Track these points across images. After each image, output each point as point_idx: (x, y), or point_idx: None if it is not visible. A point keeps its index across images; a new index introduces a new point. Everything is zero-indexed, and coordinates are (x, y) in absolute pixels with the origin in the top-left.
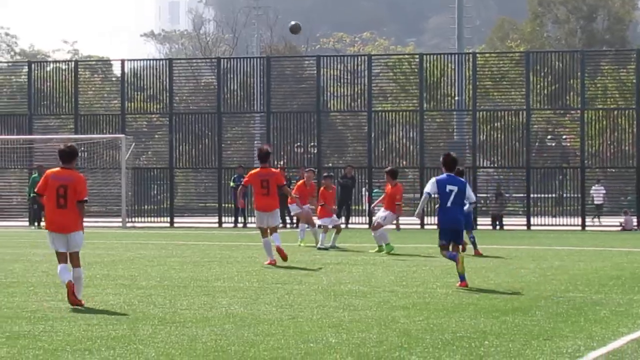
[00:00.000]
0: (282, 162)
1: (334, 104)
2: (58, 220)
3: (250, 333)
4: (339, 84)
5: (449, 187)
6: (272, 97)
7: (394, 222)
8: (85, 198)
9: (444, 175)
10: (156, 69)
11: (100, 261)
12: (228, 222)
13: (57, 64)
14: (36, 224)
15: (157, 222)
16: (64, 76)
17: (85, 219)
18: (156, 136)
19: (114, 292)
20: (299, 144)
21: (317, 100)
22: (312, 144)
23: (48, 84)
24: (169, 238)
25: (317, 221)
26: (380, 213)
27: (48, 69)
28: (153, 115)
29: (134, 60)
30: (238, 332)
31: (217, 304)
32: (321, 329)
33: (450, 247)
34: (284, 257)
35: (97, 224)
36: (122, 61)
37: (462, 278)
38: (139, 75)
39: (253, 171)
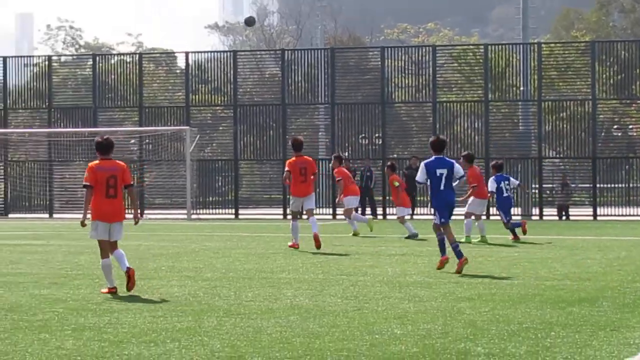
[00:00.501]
0: (345, 153)
1: (399, 95)
2: (108, 210)
3: (315, 325)
4: (403, 75)
5: (438, 171)
6: (336, 88)
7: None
8: (132, 182)
9: (432, 159)
10: (220, 61)
11: (165, 253)
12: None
13: (122, 57)
14: None
15: (222, 213)
16: (128, 69)
17: (150, 211)
18: (221, 128)
19: (179, 284)
20: (363, 135)
21: (382, 91)
22: (376, 135)
23: (112, 76)
24: (233, 230)
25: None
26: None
27: (112, 61)
28: (217, 107)
29: (198, 52)
30: (303, 323)
31: (282, 296)
32: (386, 320)
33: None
34: (318, 246)
35: (162, 216)
36: (186, 53)
37: (443, 253)
38: (203, 67)
39: (291, 160)
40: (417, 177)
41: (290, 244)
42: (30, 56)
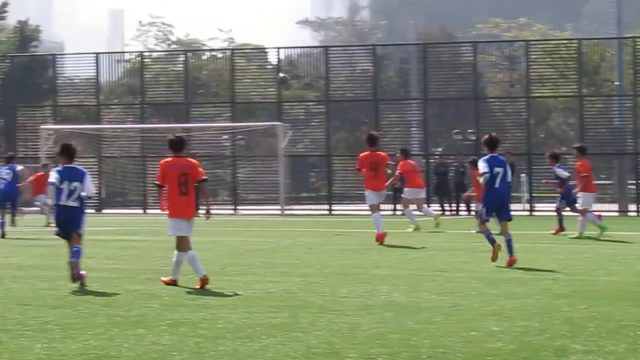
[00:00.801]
0: (438, 149)
1: (492, 90)
2: (182, 207)
3: (411, 321)
4: (496, 70)
5: (496, 169)
6: (428, 83)
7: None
8: (205, 177)
9: (489, 157)
10: (312, 56)
11: (259, 249)
12: (386, 210)
13: (213, 53)
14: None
15: (316, 209)
16: (220, 64)
17: (243, 207)
18: (313, 123)
19: (274, 279)
20: (456, 130)
21: (474, 86)
22: (469, 130)
23: (204, 72)
24: (327, 225)
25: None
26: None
27: (204, 57)
28: (310, 103)
29: (289, 47)
30: (399, 320)
31: (377, 292)
32: (483, 316)
33: (500, 226)
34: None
35: (256, 212)
36: (278, 49)
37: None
38: (295, 62)
39: (363, 155)
40: (483, 168)
41: (377, 233)
42: (122, 52)
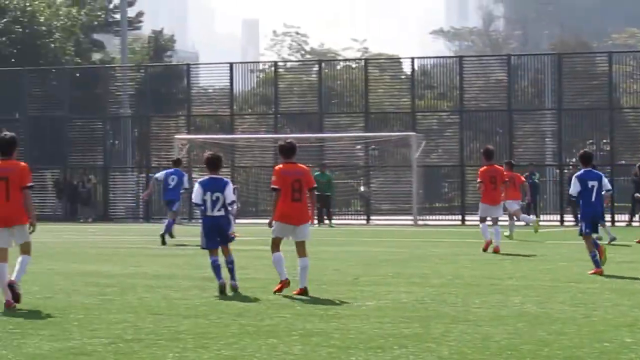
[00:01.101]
0: (572, 160)
1: (627, 100)
2: (294, 214)
3: (544, 332)
4: (631, 80)
5: (590, 183)
6: (563, 94)
7: None
8: (314, 185)
9: (582, 172)
10: (446, 66)
11: (392, 259)
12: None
13: (347, 63)
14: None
15: (448, 219)
16: (354, 74)
17: (376, 217)
18: (446, 134)
19: (406, 290)
20: (590, 141)
21: (609, 96)
22: (604, 141)
23: (338, 82)
24: (460, 236)
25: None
26: None
27: (338, 67)
28: (443, 113)
29: (423, 57)
30: (531, 330)
31: (509, 302)
32: (616, 328)
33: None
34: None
35: (389, 222)
36: (412, 59)
37: (597, 265)
38: (428, 73)
39: (483, 168)
40: (571, 190)
41: (484, 246)
42: (256, 62)
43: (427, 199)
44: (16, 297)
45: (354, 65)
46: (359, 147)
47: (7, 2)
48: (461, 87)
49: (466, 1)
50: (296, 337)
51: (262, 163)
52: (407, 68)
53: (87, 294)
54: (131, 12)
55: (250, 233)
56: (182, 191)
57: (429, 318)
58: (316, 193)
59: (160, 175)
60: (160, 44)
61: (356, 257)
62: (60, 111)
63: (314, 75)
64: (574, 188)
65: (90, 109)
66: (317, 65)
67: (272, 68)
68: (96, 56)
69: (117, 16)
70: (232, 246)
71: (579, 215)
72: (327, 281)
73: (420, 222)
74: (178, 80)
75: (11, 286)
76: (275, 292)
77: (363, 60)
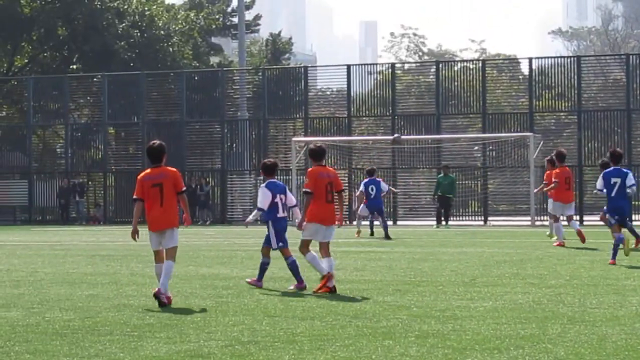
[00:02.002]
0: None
1: None
2: (327, 215)
3: None
4: None
5: (613, 180)
6: None
7: None
8: (343, 188)
9: (610, 169)
10: (564, 66)
11: (509, 260)
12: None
13: (465, 64)
14: (438, 223)
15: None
16: (471, 75)
17: (493, 218)
18: (564, 134)
19: (523, 290)
20: None
21: None
22: None
23: (456, 83)
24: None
25: None
26: None
27: (456, 68)
28: (561, 113)
29: (541, 58)
30: None
31: (627, 303)
32: None
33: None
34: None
35: (506, 223)
36: (530, 59)
37: (614, 256)
38: (546, 73)
39: (557, 170)
40: (597, 185)
41: (555, 243)
42: (374, 64)
43: (544, 200)
44: (164, 304)
45: (471, 66)
46: (476, 148)
47: (126, 7)
48: (579, 86)
49: (585, 1)
50: (412, 339)
51: (380, 165)
52: (524, 68)
53: (204, 297)
54: (249, 16)
55: (366, 234)
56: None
57: (546, 319)
58: (438, 194)
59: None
60: (277, 47)
61: (473, 258)
62: (178, 115)
63: (431, 77)
64: (599, 183)
65: (208, 112)
66: (434, 67)
67: (390, 70)
68: (214, 60)
69: (235, 19)
70: (347, 247)
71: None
72: (444, 282)
73: (537, 223)
74: (295, 83)
75: (157, 296)
76: (319, 290)
77: (481, 61)
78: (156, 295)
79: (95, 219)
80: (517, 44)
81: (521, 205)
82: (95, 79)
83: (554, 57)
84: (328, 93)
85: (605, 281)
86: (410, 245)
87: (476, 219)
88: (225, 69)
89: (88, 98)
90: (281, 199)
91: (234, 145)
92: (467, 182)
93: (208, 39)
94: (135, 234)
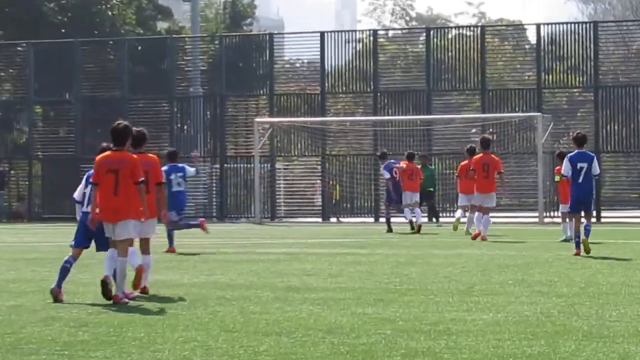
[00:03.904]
0: None
1: None
2: None
3: None
4: None
5: (579, 165)
6: None
7: None
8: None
9: (574, 153)
10: (578, 34)
11: (512, 264)
12: None
13: (460, 30)
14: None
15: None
16: (468, 44)
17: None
18: (579, 114)
19: (529, 300)
20: None
21: None
22: None
23: (449, 54)
24: (595, 235)
25: None
26: None
27: (449, 36)
28: (575, 90)
29: (551, 24)
30: None
31: None
32: None
33: (583, 216)
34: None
35: (508, 219)
36: (538, 25)
37: (577, 246)
38: (557, 41)
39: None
40: (563, 170)
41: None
42: (352, 31)
43: (555, 192)
44: (109, 296)
45: (468, 34)
46: (474, 130)
47: None
48: (596, 58)
49: None
50: (398, 358)
51: (360, 151)
52: (531, 36)
53: (148, 308)
54: None
55: (346, 233)
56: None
57: (557, 334)
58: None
59: None
60: (237, 10)
61: (470, 261)
62: (118, 90)
63: (420, 46)
64: (565, 169)
65: (154, 87)
66: (424, 34)
67: (371, 38)
68: (162, 25)
69: None
70: (321, 249)
71: None
72: (435, 290)
73: (547, 220)
74: (259, 53)
75: (103, 284)
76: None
77: (479, 28)
78: (103, 282)
79: (18, 215)
80: (523, 7)
81: (527, 198)
82: (19, 48)
83: (567, 23)
84: (297, 65)
85: (628, 289)
86: (395, 246)
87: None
88: (175, 36)
89: (10, 71)
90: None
91: (185, 127)
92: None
93: (154, 1)
94: (93, 221)
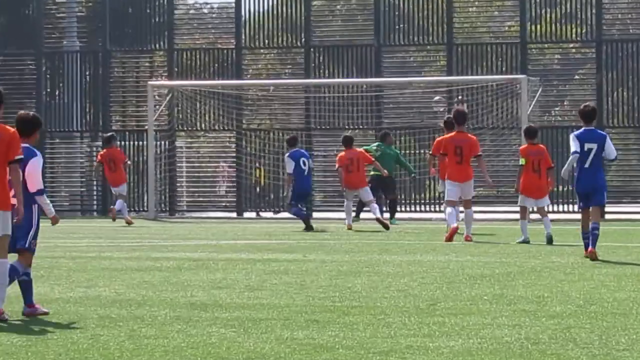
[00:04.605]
0: None
1: None
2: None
3: None
4: None
5: (587, 146)
6: None
7: None
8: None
9: (581, 131)
10: None
11: (489, 274)
12: None
13: None
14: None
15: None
16: None
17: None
18: (576, 77)
19: (511, 322)
20: None
21: None
22: None
23: None
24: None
25: None
26: None
27: None
28: (571, 45)
29: None
30: None
31: None
32: None
33: (592, 210)
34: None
35: (485, 215)
36: None
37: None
38: None
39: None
40: (572, 147)
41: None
42: None
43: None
44: None
45: None
46: (437, 98)
47: None
48: (599, 3)
49: None
50: None
51: (286, 124)
52: None
53: (9, 330)
54: None
55: (269, 233)
56: None
57: None
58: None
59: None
60: None
61: (433, 270)
62: None
63: None
64: (575, 145)
65: (16, 41)
66: None
67: None
68: None
69: None
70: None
71: None
72: (386, 308)
73: (534, 216)
74: None
75: None
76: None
77: None
78: None
79: None
80: None
81: (507, 188)
82: None
83: None
84: (205, 11)
85: None
86: (334, 251)
87: (437, 209)
88: None
89: None
90: None
91: (58, 91)
92: (422, 151)
93: None
94: None
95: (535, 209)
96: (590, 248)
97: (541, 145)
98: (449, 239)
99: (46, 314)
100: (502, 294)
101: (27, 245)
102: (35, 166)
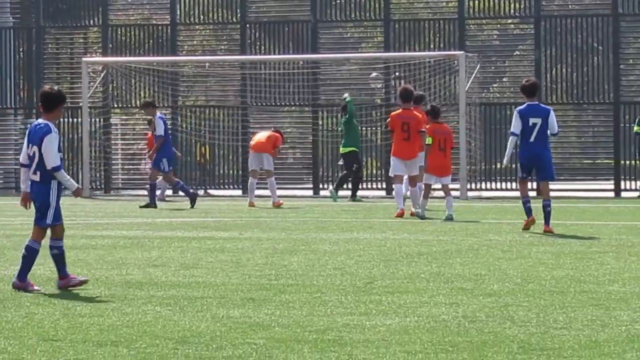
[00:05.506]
0: None
1: None
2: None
3: None
4: None
5: (532, 120)
6: None
7: None
8: None
9: (525, 106)
10: None
11: (426, 252)
12: None
13: None
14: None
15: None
16: None
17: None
18: (516, 53)
19: (448, 300)
20: None
21: None
22: None
23: None
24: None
25: None
26: None
27: None
28: (510, 21)
29: None
30: None
31: (612, 321)
32: None
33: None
34: None
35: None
36: None
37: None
38: None
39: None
40: (512, 127)
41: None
42: None
43: (483, 158)
44: None
45: None
46: (374, 74)
47: None
48: None
49: None
50: None
51: (223, 101)
52: None
53: None
54: None
55: (204, 211)
56: None
57: (485, 345)
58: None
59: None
60: None
61: (370, 248)
62: None
63: None
64: (515, 125)
65: None
66: None
67: None
68: None
69: None
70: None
71: None
72: (323, 286)
73: (472, 194)
74: None
75: None
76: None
77: None
78: None
79: None
80: None
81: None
82: None
83: None
84: None
85: (579, 286)
86: (270, 228)
87: (375, 186)
88: None
89: None
90: (31, 152)
91: None
92: (361, 128)
93: None
94: None
95: (440, 186)
96: (545, 226)
97: (446, 125)
98: (399, 215)
99: (84, 282)
100: (439, 272)
101: (49, 223)
102: (51, 143)
